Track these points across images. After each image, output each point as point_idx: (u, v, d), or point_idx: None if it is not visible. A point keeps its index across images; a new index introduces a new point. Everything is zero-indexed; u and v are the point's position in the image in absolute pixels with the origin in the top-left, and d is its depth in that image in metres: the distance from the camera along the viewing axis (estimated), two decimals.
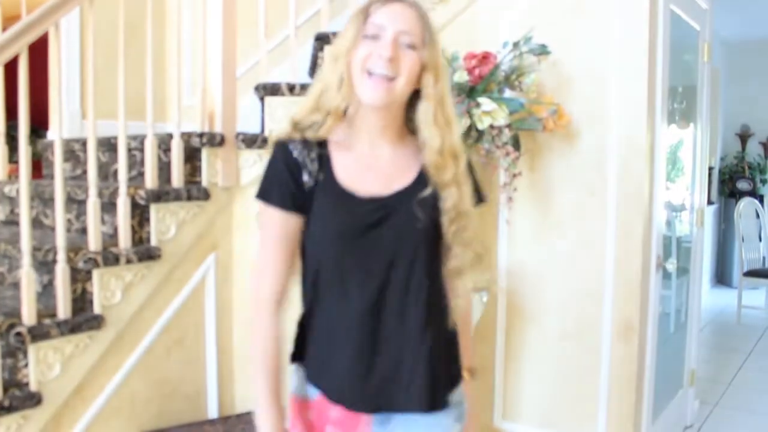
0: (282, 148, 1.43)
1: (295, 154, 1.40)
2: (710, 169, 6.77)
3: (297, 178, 1.40)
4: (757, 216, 6.67)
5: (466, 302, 1.57)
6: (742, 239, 6.22)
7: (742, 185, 7.66)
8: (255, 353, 1.50)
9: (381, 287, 1.39)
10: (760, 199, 7.19)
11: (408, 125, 1.47)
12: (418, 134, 1.44)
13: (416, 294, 1.40)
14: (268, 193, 1.43)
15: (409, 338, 1.40)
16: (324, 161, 1.41)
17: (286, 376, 1.49)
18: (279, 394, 1.46)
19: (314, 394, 1.48)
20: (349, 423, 1.44)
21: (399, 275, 1.39)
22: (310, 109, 1.42)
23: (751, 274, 6.18)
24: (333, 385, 1.44)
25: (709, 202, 6.95)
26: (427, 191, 1.40)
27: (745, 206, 6.41)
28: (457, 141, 1.44)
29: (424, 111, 1.41)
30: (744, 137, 7.89)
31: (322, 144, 1.42)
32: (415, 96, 1.42)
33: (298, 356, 1.51)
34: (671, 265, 3.06)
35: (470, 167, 1.51)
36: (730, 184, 7.78)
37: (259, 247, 1.48)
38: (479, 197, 1.54)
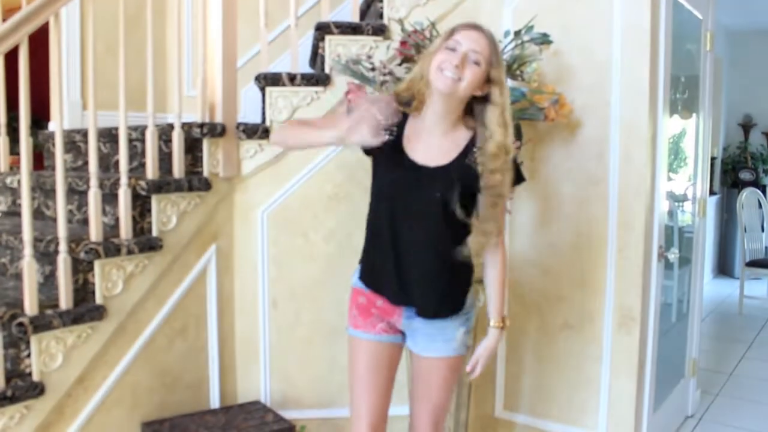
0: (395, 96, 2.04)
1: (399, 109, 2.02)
2: (713, 159, 6.76)
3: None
4: (760, 206, 6.65)
5: (479, 250, 2.07)
6: (745, 229, 6.20)
7: (745, 175, 7.65)
8: (292, 133, 2.20)
9: (412, 226, 2.00)
10: (763, 189, 7.17)
11: (464, 121, 2.03)
12: (479, 129, 1.99)
13: (437, 236, 2.00)
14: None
15: (426, 268, 2.03)
16: (400, 129, 2.01)
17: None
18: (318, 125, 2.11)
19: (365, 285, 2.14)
20: (388, 310, 2.12)
21: (425, 222, 1.99)
22: (404, 88, 2.03)
23: (754, 264, 6.17)
24: (380, 287, 2.11)
25: (712, 193, 6.96)
26: (459, 163, 1.98)
27: (747, 196, 6.40)
28: (510, 141, 1.95)
29: (491, 112, 1.95)
30: (747, 127, 7.87)
31: (405, 116, 2.03)
32: (475, 101, 1.98)
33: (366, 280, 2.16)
34: (673, 256, 3.05)
35: (514, 160, 2.04)
36: (732, 174, 7.76)
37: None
38: (520, 178, 2.13)
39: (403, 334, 2.19)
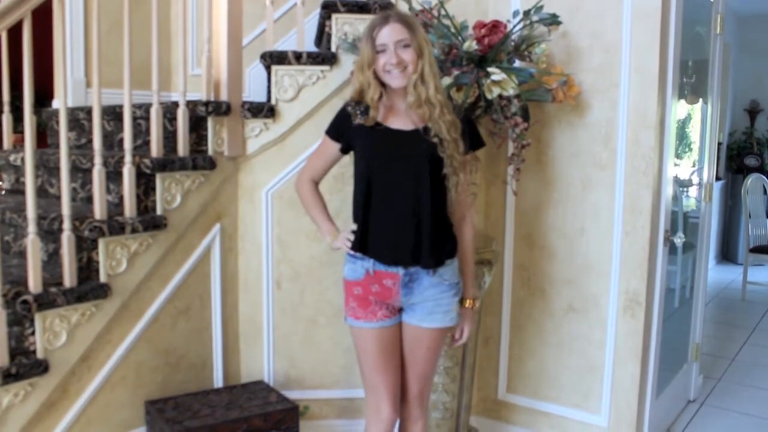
0: (344, 105, 2.27)
1: (349, 109, 2.24)
2: (718, 144, 6.71)
3: (347, 123, 2.23)
4: (765, 192, 6.62)
5: (458, 195, 2.21)
6: (749, 215, 6.18)
7: (750, 161, 7.61)
8: (305, 203, 2.41)
9: (399, 181, 2.16)
10: None
11: None
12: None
13: (424, 187, 2.14)
14: (328, 129, 2.32)
15: (422, 223, 2.15)
16: (368, 111, 2.19)
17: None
18: (326, 215, 2.37)
19: (361, 274, 2.22)
20: (385, 292, 2.20)
21: (411, 178, 2.15)
22: (356, 97, 2.22)
23: (757, 250, 6.16)
24: (376, 248, 2.19)
25: (717, 178, 6.91)
26: (419, 126, 2.17)
27: (752, 182, 6.37)
28: (432, 93, 2.12)
29: (411, 80, 2.13)
30: (753, 113, 7.82)
31: (369, 107, 2.20)
32: None
33: (356, 247, 2.22)
34: (679, 240, 3.04)
35: (469, 120, 2.29)
36: (737, 159, 7.73)
37: (310, 156, 2.47)
38: (476, 143, 2.30)
39: (400, 311, 2.27)
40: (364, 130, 2.21)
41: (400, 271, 2.18)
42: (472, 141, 2.27)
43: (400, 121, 2.20)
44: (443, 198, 2.20)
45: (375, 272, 2.20)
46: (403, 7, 2.80)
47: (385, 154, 2.20)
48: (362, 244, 2.21)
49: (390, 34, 2.12)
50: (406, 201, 2.16)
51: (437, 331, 2.26)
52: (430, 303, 2.22)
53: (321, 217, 2.37)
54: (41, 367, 2.28)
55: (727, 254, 7.75)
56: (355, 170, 2.26)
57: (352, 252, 2.23)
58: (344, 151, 2.31)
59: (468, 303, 2.34)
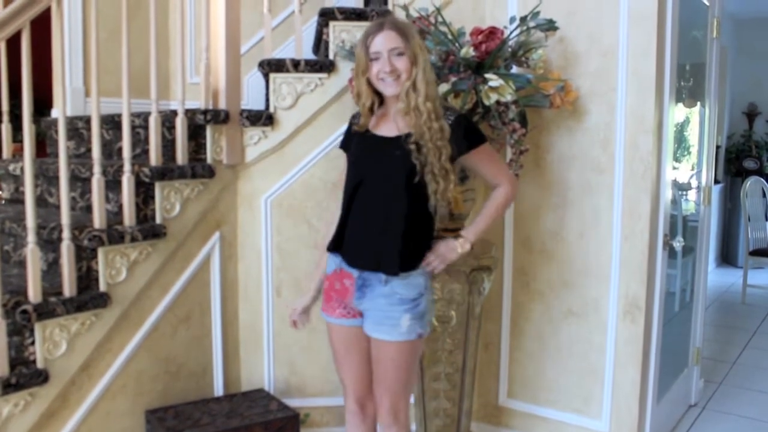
0: (352, 116, 2.35)
1: (353, 120, 2.32)
2: (717, 147, 6.72)
3: (349, 131, 2.33)
4: (764, 195, 6.62)
5: (438, 202, 2.17)
6: (748, 218, 6.18)
7: (749, 164, 7.61)
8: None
9: (376, 192, 2.17)
10: (767, 178, 7.14)
11: None
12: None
13: (398, 199, 2.14)
14: (342, 143, 2.39)
15: (389, 230, 2.15)
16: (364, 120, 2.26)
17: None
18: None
19: (332, 269, 2.27)
20: (343, 290, 2.23)
21: (384, 183, 2.16)
22: (361, 105, 2.24)
23: (757, 253, 6.15)
24: (342, 245, 2.23)
25: (716, 181, 6.92)
26: (404, 132, 2.15)
27: (751, 185, 6.37)
28: (421, 101, 2.10)
29: (402, 87, 2.13)
30: (751, 116, 7.83)
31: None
32: None
33: (332, 246, 2.27)
34: (678, 244, 3.04)
35: (457, 127, 2.17)
36: (736, 163, 7.73)
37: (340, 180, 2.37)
38: (475, 141, 2.23)
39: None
40: (356, 137, 2.27)
41: (355, 273, 2.20)
42: (469, 140, 2.21)
43: (387, 128, 2.22)
44: (422, 205, 2.16)
45: (341, 270, 2.25)
46: (399, 14, 2.82)
47: (366, 160, 2.23)
48: (337, 243, 2.25)
49: (384, 41, 2.11)
50: (378, 206, 2.17)
51: (389, 345, 2.19)
52: (380, 313, 2.18)
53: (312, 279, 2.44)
54: (41, 377, 2.28)
55: (726, 257, 7.74)
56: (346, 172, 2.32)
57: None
58: None
59: (455, 236, 2.28)
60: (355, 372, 2.33)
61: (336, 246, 2.25)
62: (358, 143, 2.26)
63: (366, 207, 2.20)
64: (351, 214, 2.22)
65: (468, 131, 2.23)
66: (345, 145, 2.35)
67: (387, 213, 2.15)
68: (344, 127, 2.41)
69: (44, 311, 2.28)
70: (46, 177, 3.03)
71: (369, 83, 2.18)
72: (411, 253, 2.19)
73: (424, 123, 2.11)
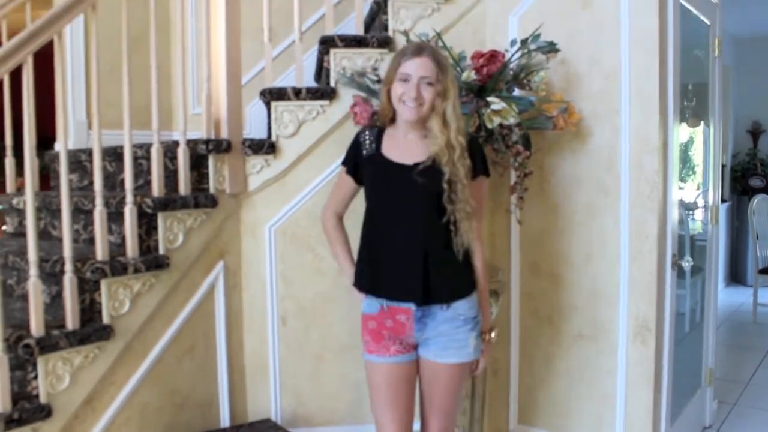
0: (358, 133, 2.30)
1: (361, 138, 2.27)
2: (722, 166, 6.70)
3: (357, 152, 2.26)
4: None
5: (468, 239, 2.17)
6: (756, 237, 6.14)
7: (755, 182, 7.58)
8: (328, 238, 2.43)
9: (401, 216, 2.16)
10: None
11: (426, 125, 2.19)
12: (429, 133, 2.17)
13: (425, 222, 2.14)
14: (343, 159, 2.34)
15: (430, 260, 2.13)
16: (378, 141, 2.23)
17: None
18: (348, 255, 2.37)
19: (376, 309, 2.22)
20: (398, 327, 2.19)
21: (415, 213, 2.15)
22: (383, 114, 2.25)
23: (767, 271, 6.10)
24: (384, 285, 2.20)
25: (722, 200, 6.88)
26: (428, 163, 2.12)
27: (758, 203, 6.33)
28: (453, 136, 2.10)
29: (434, 121, 2.13)
30: (755, 134, 7.82)
31: (381, 130, 2.25)
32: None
33: (364, 283, 2.25)
34: (687, 264, 3.01)
35: (474, 149, 2.19)
36: (742, 181, 7.70)
37: (332, 188, 2.44)
38: (483, 170, 2.25)
39: (416, 348, 2.23)
40: (369, 161, 2.22)
41: (413, 306, 2.15)
42: (483, 167, 2.25)
43: (403, 154, 2.18)
44: (446, 226, 2.15)
45: (389, 307, 2.19)
46: (400, 40, 2.83)
47: (387, 188, 2.19)
48: (372, 284, 2.21)
49: (418, 68, 2.09)
50: (413, 237, 2.14)
51: (454, 367, 2.21)
52: (445, 338, 2.18)
53: (343, 257, 2.38)
54: (44, 412, 2.25)
55: (736, 276, 7.68)
56: (367, 204, 2.26)
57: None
58: (358, 182, 2.31)
59: (486, 336, 2.29)
60: (402, 415, 2.23)
61: (372, 288, 2.21)
62: (374, 170, 2.22)
63: (398, 239, 2.16)
64: (381, 247, 2.19)
65: (482, 157, 2.26)
66: (351, 165, 2.30)
67: (425, 243, 2.13)
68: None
69: (47, 345, 2.25)
70: (50, 210, 3.02)
71: (388, 98, 2.17)
72: (462, 275, 2.21)
73: (458, 159, 2.10)
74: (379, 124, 2.30)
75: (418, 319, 2.16)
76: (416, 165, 2.13)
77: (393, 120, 2.23)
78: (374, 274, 2.20)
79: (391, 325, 2.19)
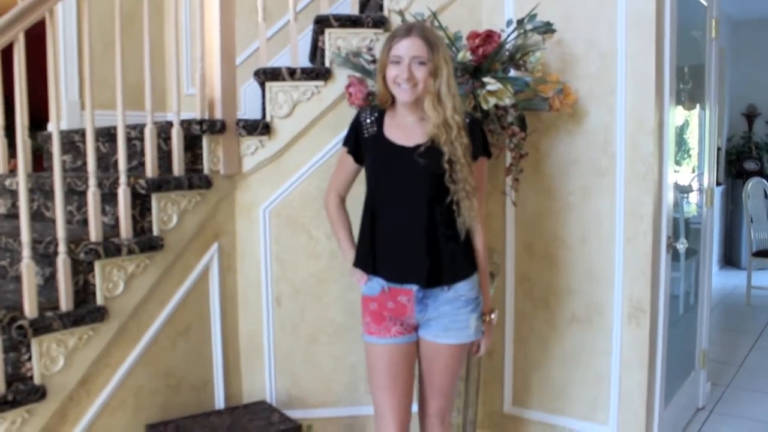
0: (357, 113, 2.30)
1: (361, 118, 2.26)
2: (717, 149, 6.70)
3: (358, 133, 2.25)
4: (765, 196, 6.60)
5: (470, 219, 2.17)
6: (751, 220, 6.16)
7: (750, 165, 7.60)
8: (330, 220, 2.42)
9: (404, 198, 2.15)
10: None
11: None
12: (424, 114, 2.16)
13: (421, 209, 2.14)
14: (343, 139, 2.33)
15: (418, 238, 2.14)
16: (379, 123, 2.23)
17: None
18: (349, 238, 2.36)
19: (376, 290, 2.20)
20: (399, 308, 2.19)
21: (417, 194, 2.14)
22: (380, 98, 2.23)
23: (760, 254, 6.13)
24: (386, 265, 2.19)
25: (717, 183, 6.89)
26: (428, 144, 2.13)
27: (753, 186, 6.35)
28: (450, 115, 2.09)
29: (426, 100, 2.12)
30: (750, 117, 7.82)
31: (382, 112, 2.24)
32: None
33: (366, 265, 2.23)
34: (681, 246, 3.01)
35: (474, 129, 2.20)
36: (737, 164, 7.71)
37: (334, 170, 2.41)
38: (484, 151, 2.27)
39: (416, 329, 2.26)
40: (371, 142, 2.22)
41: (414, 287, 2.16)
42: (484, 148, 2.26)
43: (404, 136, 2.18)
44: (449, 208, 2.15)
45: (390, 289, 2.19)
46: (395, 19, 2.80)
47: (389, 170, 2.19)
48: (375, 266, 2.20)
49: (408, 48, 2.09)
50: (416, 219, 2.14)
51: (454, 348, 2.23)
52: (446, 319, 2.19)
53: (344, 239, 2.37)
54: (38, 393, 2.24)
55: (730, 259, 7.72)
56: (367, 186, 2.26)
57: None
58: (359, 162, 2.31)
59: (486, 317, 2.31)
60: (399, 396, 2.23)
61: (376, 266, 2.20)
62: (376, 151, 2.22)
63: (401, 221, 2.16)
64: (382, 229, 2.18)
65: (483, 138, 2.27)
66: (351, 145, 2.29)
67: (428, 225, 2.13)
68: (344, 132, 2.37)
69: (41, 326, 2.24)
70: (43, 191, 3.00)
71: (385, 82, 2.16)
72: (465, 256, 2.22)
73: (455, 138, 2.10)
74: (377, 104, 2.29)
75: (419, 300, 2.17)
76: (417, 147, 2.14)
77: (393, 104, 2.23)
78: (377, 255, 2.19)
79: (392, 306, 2.19)
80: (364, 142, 2.24)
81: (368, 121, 2.24)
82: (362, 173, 2.32)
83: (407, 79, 2.08)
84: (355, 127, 2.28)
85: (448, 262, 2.16)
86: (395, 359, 2.22)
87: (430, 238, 2.14)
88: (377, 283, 2.21)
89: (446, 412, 2.33)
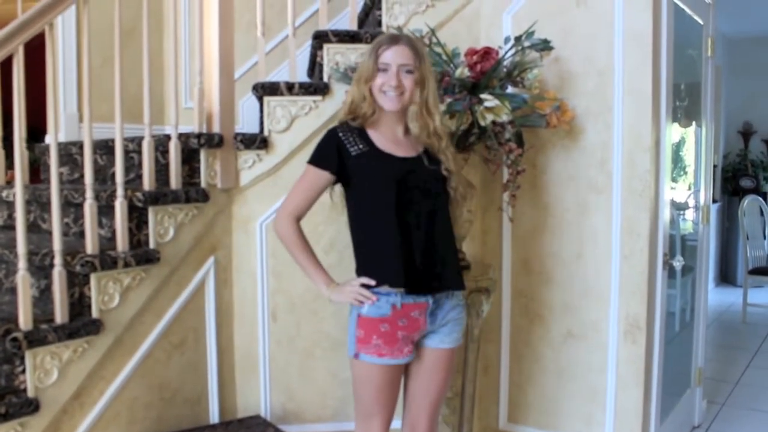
0: (332, 131, 2.20)
1: (342, 138, 2.16)
2: (713, 167, 6.72)
3: (341, 151, 2.14)
4: (761, 213, 6.62)
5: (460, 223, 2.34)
6: (747, 237, 6.17)
7: (746, 183, 7.62)
8: (289, 244, 2.26)
9: (428, 216, 2.15)
10: (764, 196, 7.14)
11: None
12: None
13: (445, 219, 2.19)
14: (315, 159, 2.20)
15: (447, 250, 2.19)
16: (365, 138, 2.17)
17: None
18: (317, 261, 2.24)
19: (387, 311, 2.12)
20: (412, 324, 2.15)
21: (429, 204, 2.15)
22: (348, 113, 2.19)
23: (756, 272, 6.13)
24: (404, 280, 2.12)
25: (713, 201, 6.91)
26: (427, 153, 2.18)
27: (748, 204, 6.36)
28: (438, 124, 2.15)
29: (411, 111, 2.16)
30: (746, 135, 7.86)
31: (362, 128, 2.18)
32: None
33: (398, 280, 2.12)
34: (678, 263, 3.01)
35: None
36: (733, 181, 7.74)
37: (291, 190, 2.27)
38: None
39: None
40: (366, 160, 2.14)
41: (429, 300, 2.17)
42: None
43: (397, 148, 2.18)
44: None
45: (402, 306, 2.13)
46: None
47: (400, 183, 2.13)
48: (399, 278, 2.11)
49: (396, 56, 2.10)
50: (434, 230, 2.16)
51: (454, 351, 2.29)
52: (451, 324, 2.24)
53: (311, 264, 2.24)
54: (32, 406, 2.23)
55: (726, 276, 7.72)
56: (362, 204, 2.19)
57: (375, 288, 2.13)
58: (338, 180, 2.20)
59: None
60: (390, 411, 2.24)
61: (399, 281, 2.11)
62: (385, 166, 2.14)
63: (420, 233, 2.14)
64: (406, 243, 2.11)
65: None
66: (330, 163, 2.16)
67: (442, 235, 2.18)
68: None
69: (35, 339, 2.24)
70: (40, 203, 3.00)
71: (371, 92, 2.14)
72: (460, 261, 2.35)
73: (445, 148, 2.17)
74: (355, 124, 2.20)
75: (430, 312, 2.19)
76: (419, 156, 2.18)
77: (372, 116, 2.17)
78: (401, 268, 2.11)
79: (404, 323, 2.14)
80: (354, 161, 2.14)
81: (351, 139, 2.15)
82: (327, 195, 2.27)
83: (395, 87, 2.09)
84: (335, 145, 2.17)
85: (457, 268, 2.23)
86: (395, 377, 2.22)
87: (446, 248, 2.19)
88: (386, 302, 2.12)
89: (436, 417, 2.35)
